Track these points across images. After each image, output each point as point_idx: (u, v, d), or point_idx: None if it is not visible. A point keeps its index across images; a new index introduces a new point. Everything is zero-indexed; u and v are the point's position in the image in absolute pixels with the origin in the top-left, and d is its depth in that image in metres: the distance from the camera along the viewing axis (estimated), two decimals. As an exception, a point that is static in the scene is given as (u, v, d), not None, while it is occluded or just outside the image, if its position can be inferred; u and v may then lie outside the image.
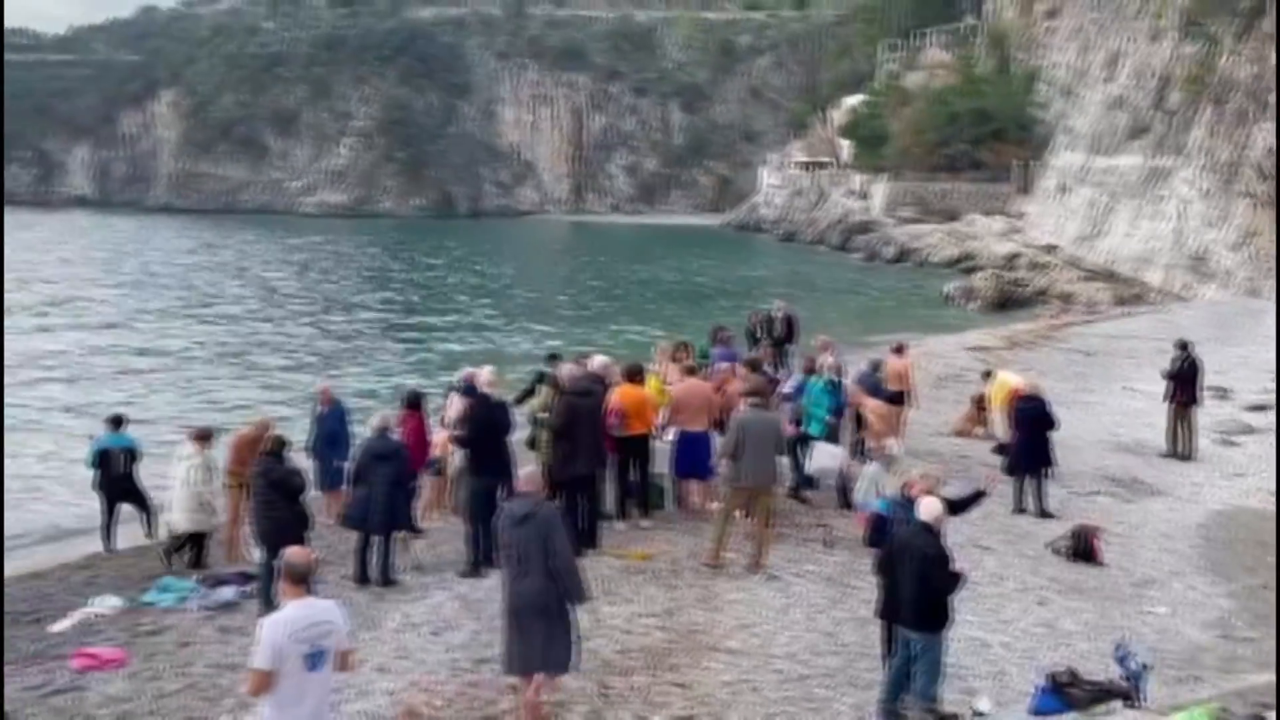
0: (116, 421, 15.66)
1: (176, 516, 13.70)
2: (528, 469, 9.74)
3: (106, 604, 12.07)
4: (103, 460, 15.18)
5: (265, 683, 6.12)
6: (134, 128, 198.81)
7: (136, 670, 10.11)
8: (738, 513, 12.72)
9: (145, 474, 15.08)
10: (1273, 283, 41.29)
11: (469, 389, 13.65)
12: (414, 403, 14.38)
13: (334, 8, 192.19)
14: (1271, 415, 21.54)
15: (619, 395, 13.58)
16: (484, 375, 13.69)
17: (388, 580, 12.03)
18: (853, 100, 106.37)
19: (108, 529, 15.25)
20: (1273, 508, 15.34)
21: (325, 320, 44.81)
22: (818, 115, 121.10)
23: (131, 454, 15.33)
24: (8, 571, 14.09)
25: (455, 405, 14.24)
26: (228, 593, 12.03)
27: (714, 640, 10.44)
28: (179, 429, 16.91)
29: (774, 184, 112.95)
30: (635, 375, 14.10)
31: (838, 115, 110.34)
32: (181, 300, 50.37)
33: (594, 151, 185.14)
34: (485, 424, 12.70)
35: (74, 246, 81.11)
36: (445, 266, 74.61)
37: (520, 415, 14.13)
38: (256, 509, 11.53)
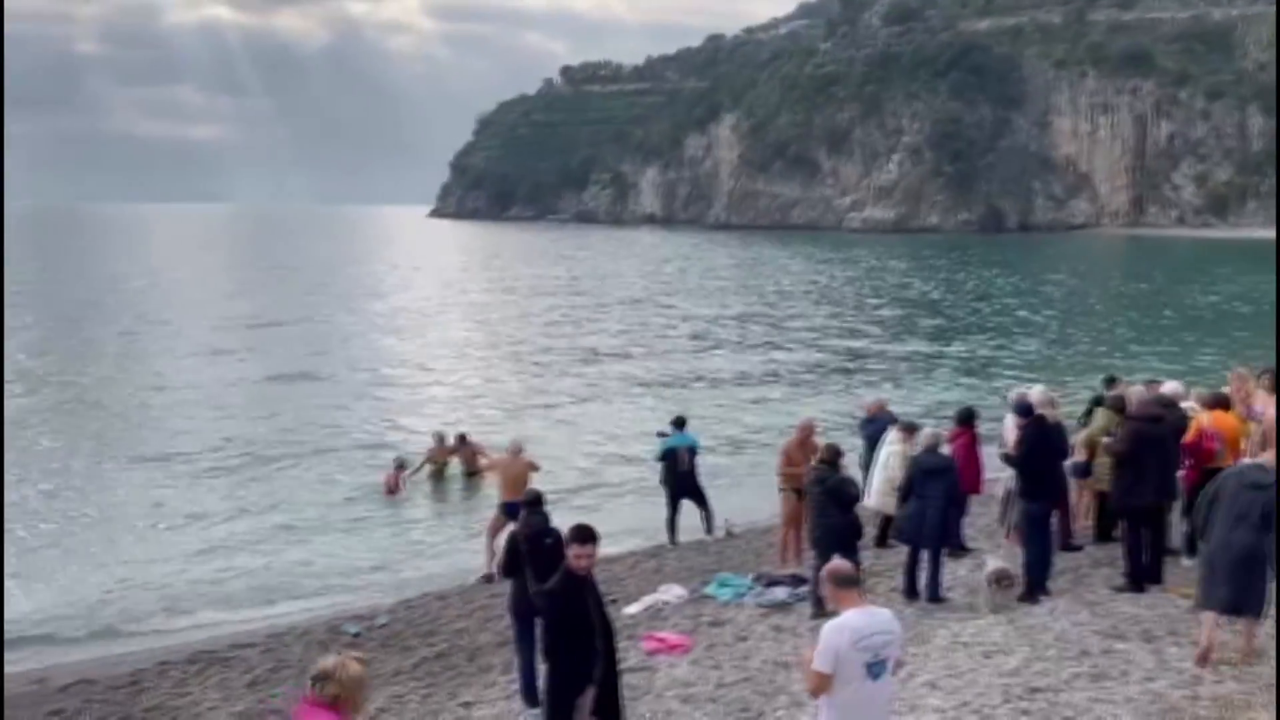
0: (680, 422, 16.84)
1: (873, 500, 14.02)
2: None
3: (672, 593, 13.03)
4: (669, 458, 16.41)
5: (824, 685, 6.26)
6: (697, 150, 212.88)
7: (699, 658, 10.78)
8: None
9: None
10: None
11: (1024, 409, 13.22)
12: (966, 419, 14.15)
13: (889, 25, 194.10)
14: None
15: (1214, 421, 12.46)
16: (1036, 394, 13.25)
17: (936, 597, 11.96)
18: None
19: (672, 523, 16.43)
20: None
21: (894, 335, 45.77)
22: None
23: (693, 451, 16.44)
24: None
25: (1009, 426, 13.88)
26: (780, 593, 12.53)
27: (1300, 699, 9.41)
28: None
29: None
30: (1222, 404, 12.94)
31: None
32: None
33: (1157, 161, 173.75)
34: (1039, 445, 12.26)
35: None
36: (1003, 282, 73.30)
37: (1075, 439, 13.51)
38: (812, 515, 11.90)
